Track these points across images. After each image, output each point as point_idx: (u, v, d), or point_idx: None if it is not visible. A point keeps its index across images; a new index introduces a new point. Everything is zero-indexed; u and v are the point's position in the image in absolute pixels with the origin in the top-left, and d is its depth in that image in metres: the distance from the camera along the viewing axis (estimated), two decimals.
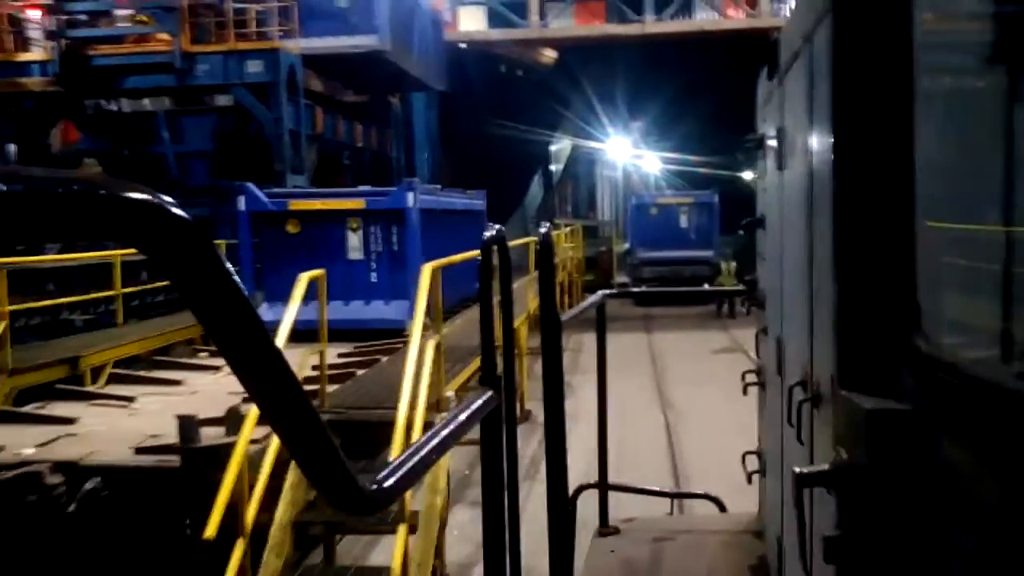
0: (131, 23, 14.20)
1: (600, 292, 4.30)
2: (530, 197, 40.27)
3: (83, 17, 13.97)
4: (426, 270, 5.96)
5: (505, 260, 2.54)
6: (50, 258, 10.73)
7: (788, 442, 2.44)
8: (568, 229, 21.05)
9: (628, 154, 50.23)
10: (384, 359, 8.56)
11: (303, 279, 5.93)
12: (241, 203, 10.06)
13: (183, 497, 5.28)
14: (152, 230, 0.75)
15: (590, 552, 3.88)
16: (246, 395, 5.16)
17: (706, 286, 21.81)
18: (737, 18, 21.39)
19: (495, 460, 2.34)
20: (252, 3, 13.70)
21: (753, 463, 3.59)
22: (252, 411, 4.93)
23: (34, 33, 14.83)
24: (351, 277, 10.27)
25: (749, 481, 3.56)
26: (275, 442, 5.00)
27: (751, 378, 3.74)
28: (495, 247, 2.47)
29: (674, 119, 45.29)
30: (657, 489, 5.45)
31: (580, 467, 4.21)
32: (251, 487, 4.70)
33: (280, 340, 5.45)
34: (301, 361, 6.98)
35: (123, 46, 13.89)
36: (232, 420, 5.38)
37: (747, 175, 51.97)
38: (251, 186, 10.15)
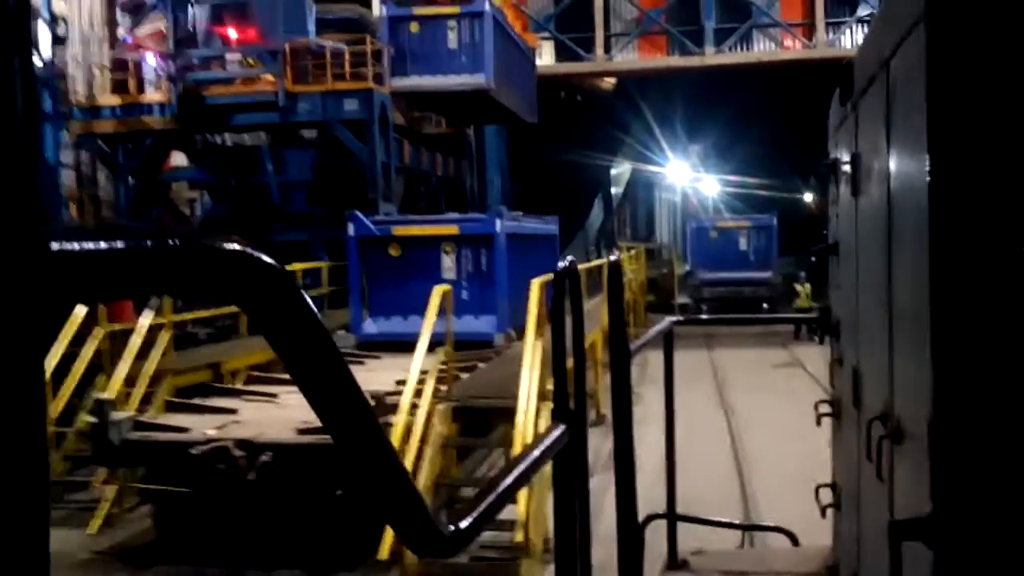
0: (240, 66, 15.81)
1: (668, 319, 4.14)
2: (591, 220, 41.37)
3: (197, 62, 15.61)
4: (535, 286, 7.17)
5: (576, 293, 2.51)
6: None
7: (866, 478, 2.38)
8: (633, 252, 22.11)
9: (687, 177, 51.08)
10: (481, 365, 9.78)
11: (437, 292, 7.15)
12: (351, 229, 11.41)
13: (336, 469, 6.55)
14: (247, 281, 0.78)
15: None
16: (400, 382, 6.50)
17: (765, 306, 22.76)
18: (794, 49, 22.38)
19: (568, 496, 2.30)
20: (349, 47, 15.19)
21: (826, 495, 3.52)
22: (402, 400, 6.23)
23: (148, 75, 16.58)
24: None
25: (823, 515, 3.45)
26: (420, 421, 6.26)
27: (824, 408, 3.60)
28: (567, 280, 2.46)
29: (732, 143, 46.17)
30: (728, 521, 5.35)
31: (648, 468, 4.55)
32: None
33: (420, 350, 6.74)
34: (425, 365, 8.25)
35: (233, 87, 15.50)
36: (380, 405, 6.66)
37: (807, 197, 52.35)
38: (359, 214, 11.51)
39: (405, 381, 8.60)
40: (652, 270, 28.51)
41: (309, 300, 0.84)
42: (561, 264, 2.47)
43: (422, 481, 6.04)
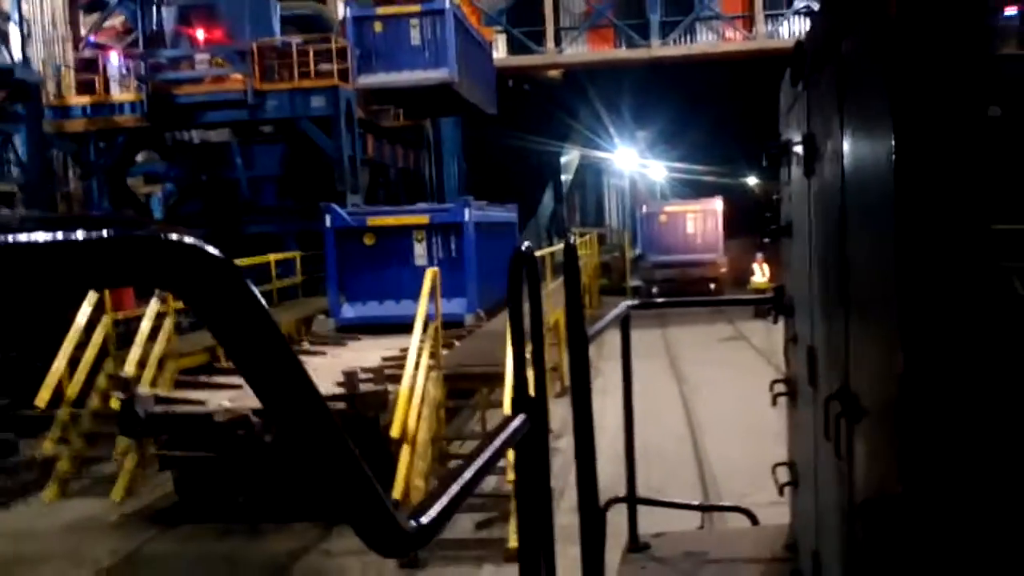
0: (209, 66, 16.53)
1: (624, 304, 4.12)
2: (543, 207, 42.51)
3: (166, 62, 16.29)
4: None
5: (534, 279, 2.48)
6: None
7: (823, 457, 2.43)
8: (586, 238, 23.24)
9: (635, 163, 52.39)
10: (457, 342, 10.78)
11: (429, 275, 8.14)
12: (327, 220, 12.29)
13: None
14: (191, 273, 0.77)
15: (621, 569, 3.85)
16: (385, 359, 7.61)
17: (712, 286, 24.10)
18: (735, 40, 23.68)
19: (529, 484, 2.32)
20: (313, 46, 16.00)
21: (781, 475, 3.57)
22: (406, 370, 7.25)
23: (112, 73, 17.17)
24: (418, 280, 12.44)
25: (781, 493, 3.52)
26: (419, 387, 7.27)
27: (779, 388, 3.62)
28: (524, 266, 2.42)
29: (679, 129, 47.63)
30: (687, 503, 5.46)
31: (609, 436, 4.57)
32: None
33: (417, 326, 7.73)
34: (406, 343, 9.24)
35: (202, 86, 16.22)
36: (378, 376, 7.66)
37: (752, 181, 54.30)
38: (335, 207, 12.41)
39: (391, 358, 9.67)
40: (604, 254, 29.78)
41: (257, 292, 0.83)
42: (518, 250, 2.40)
43: (421, 437, 7.06)
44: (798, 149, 2.73)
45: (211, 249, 0.78)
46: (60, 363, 8.89)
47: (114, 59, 17.18)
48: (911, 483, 1.47)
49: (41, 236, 0.68)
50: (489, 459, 1.81)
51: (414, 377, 7.21)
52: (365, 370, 8.14)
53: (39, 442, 9.20)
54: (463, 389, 8.82)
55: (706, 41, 23.66)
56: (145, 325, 9.03)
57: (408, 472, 6.69)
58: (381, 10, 14.89)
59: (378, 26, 15.02)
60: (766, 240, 4.10)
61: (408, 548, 1.21)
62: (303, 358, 9.22)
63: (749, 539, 4.18)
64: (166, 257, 0.76)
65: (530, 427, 2.21)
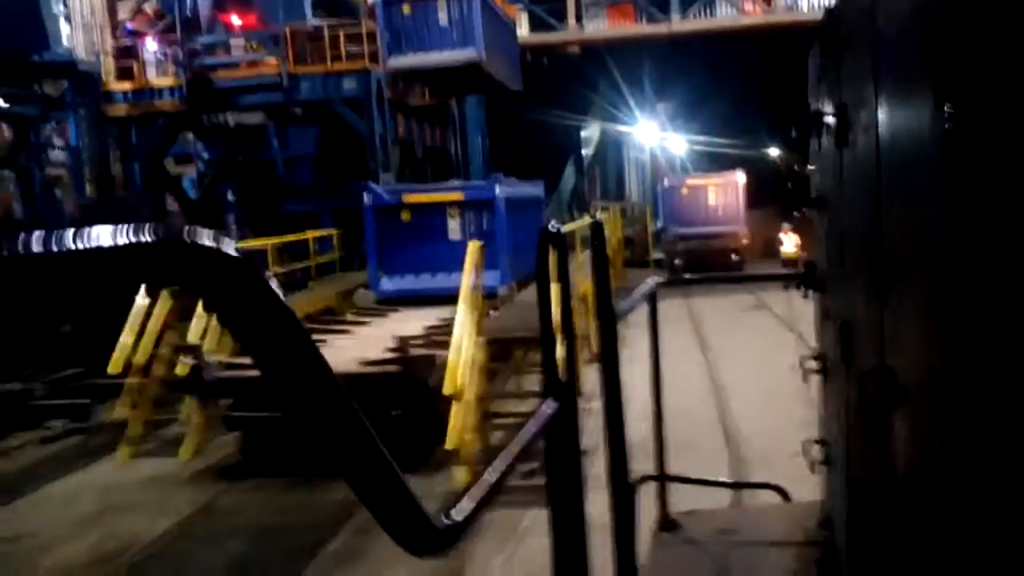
0: (245, 51, 17.21)
1: (651, 280, 4.08)
2: (564, 181, 43.07)
3: (203, 48, 16.98)
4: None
5: (563, 260, 2.46)
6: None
7: (858, 434, 2.39)
8: (610, 212, 23.82)
9: (656, 137, 52.65)
10: (493, 312, 11.48)
11: (472, 248, 8.82)
12: (366, 199, 12.99)
13: (390, 393, 8.26)
14: (215, 276, 0.77)
15: (652, 548, 3.82)
16: (428, 327, 8.39)
17: (735, 257, 24.64)
18: (755, 14, 24.07)
19: (561, 470, 2.28)
20: (344, 30, 16.65)
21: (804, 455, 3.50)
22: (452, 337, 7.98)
23: (148, 58, 17.90)
24: (452, 254, 13.14)
25: (812, 471, 3.48)
26: (466, 351, 7.97)
27: (810, 364, 3.56)
28: (551, 245, 2.40)
29: (699, 101, 47.87)
30: (717, 479, 5.39)
31: (639, 402, 4.32)
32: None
33: (463, 297, 8.40)
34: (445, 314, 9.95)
35: (238, 70, 16.91)
36: (426, 342, 8.38)
37: (773, 152, 54.64)
38: (374, 185, 13.11)
39: (433, 326, 10.40)
40: (627, 228, 30.32)
41: (280, 293, 0.82)
42: (545, 229, 2.40)
43: (469, 396, 7.79)
44: (830, 120, 2.69)
45: (231, 250, 0.78)
46: (128, 335, 9.67)
47: (150, 45, 17.89)
48: (954, 461, 1.44)
49: (61, 244, 0.69)
50: (520, 452, 1.81)
51: (461, 342, 7.90)
52: (413, 337, 8.88)
53: (111, 407, 10.02)
54: (502, 352, 9.52)
55: (726, 15, 24.05)
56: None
57: (460, 427, 7.41)
58: None
59: (406, 9, 15.57)
60: (795, 213, 4.34)
61: (440, 547, 1.17)
62: (349, 328, 9.92)
63: (782, 517, 4.13)
64: (187, 261, 0.76)
65: (560, 411, 2.19)
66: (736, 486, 5.64)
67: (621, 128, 49.43)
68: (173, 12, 17.20)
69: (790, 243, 20.05)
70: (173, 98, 16.93)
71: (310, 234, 15.19)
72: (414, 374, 8.13)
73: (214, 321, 9.90)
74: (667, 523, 4.03)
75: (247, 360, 8.93)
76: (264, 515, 7.61)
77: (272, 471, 8.54)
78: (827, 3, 23.50)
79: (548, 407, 2.16)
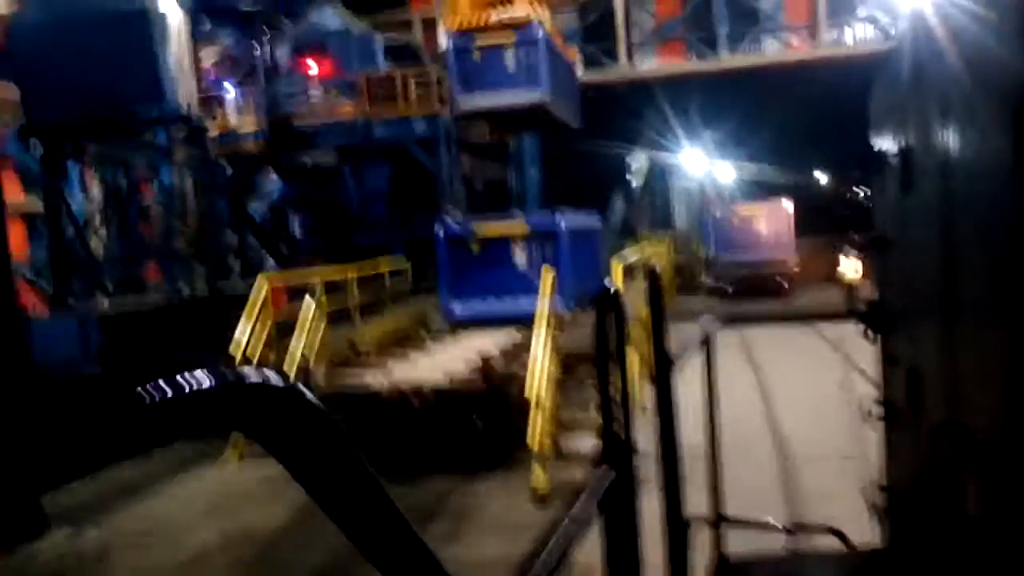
0: (323, 97, 18.68)
1: (706, 318, 4.11)
2: (613, 210, 44.13)
3: (284, 94, 18.47)
4: (616, 269, 9.95)
5: (620, 326, 2.39)
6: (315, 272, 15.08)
7: (928, 485, 2.33)
8: (665, 243, 24.78)
9: (703, 165, 53.48)
10: (558, 332, 12.56)
11: (547, 274, 9.92)
12: (440, 231, 14.20)
13: (473, 403, 9.36)
14: (294, 426, 0.77)
15: None
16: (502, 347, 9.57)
17: (785, 285, 25.40)
18: (801, 49, 25.04)
19: (619, 543, 2.19)
20: (414, 76, 18.01)
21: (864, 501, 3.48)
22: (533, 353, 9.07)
23: (229, 101, 19.43)
24: (517, 281, 14.30)
25: (877, 520, 3.41)
26: (543, 366, 9.05)
27: (876, 409, 3.48)
28: (610, 309, 2.34)
29: (746, 130, 48.67)
30: (774, 523, 5.25)
31: (693, 413, 4.18)
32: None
33: (541, 320, 9.48)
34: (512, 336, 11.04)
35: (317, 115, 18.37)
36: (507, 359, 9.49)
37: (822, 179, 55.00)
38: (448, 219, 14.31)
39: (504, 347, 11.51)
40: (678, 255, 31.24)
41: (355, 448, 0.79)
42: (604, 291, 2.34)
43: (547, 404, 8.87)
44: (894, 160, 2.62)
45: (309, 396, 0.76)
46: (236, 354, 10.93)
47: (232, 91, 19.45)
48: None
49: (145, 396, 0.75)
50: (577, 523, 1.71)
51: (538, 357, 9.00)
52: (491, 356, 10.01)
53: None
54: (566, 367, 10.59)
55: (773, 50, 25.05)
56: (304, 323, 11.03)
57: (539, 431, 8.49)
58: (480, 41, 16.64)
59: (477, 55, 16.79)
60: (851, 237, 4.46)
61: None
62: (430, 346, 11.06)
63: (842, 566, 3.99)
64: (262, 409, 0.76)
65: (618, 480, 2.09)
66: (795, 531, 5.30)
67: (668, 157, 50.46)
68: (253, 60, 18.72)
69: (850, 267, 20.44)
70: (256, 140, 18.40)
71: (384, 269, 16.45)
72: (495, 388, 9.23)
73: (310, 340, 11.16)
74: (723, 567, 3.89)
75: (342, 374, 10.12)
76: None
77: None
78: (869, 35, 24.39)
79: (605, 477, 2.03)
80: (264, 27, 19.07)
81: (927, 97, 2.12)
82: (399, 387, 9.33)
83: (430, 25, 26.94)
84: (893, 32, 24.23)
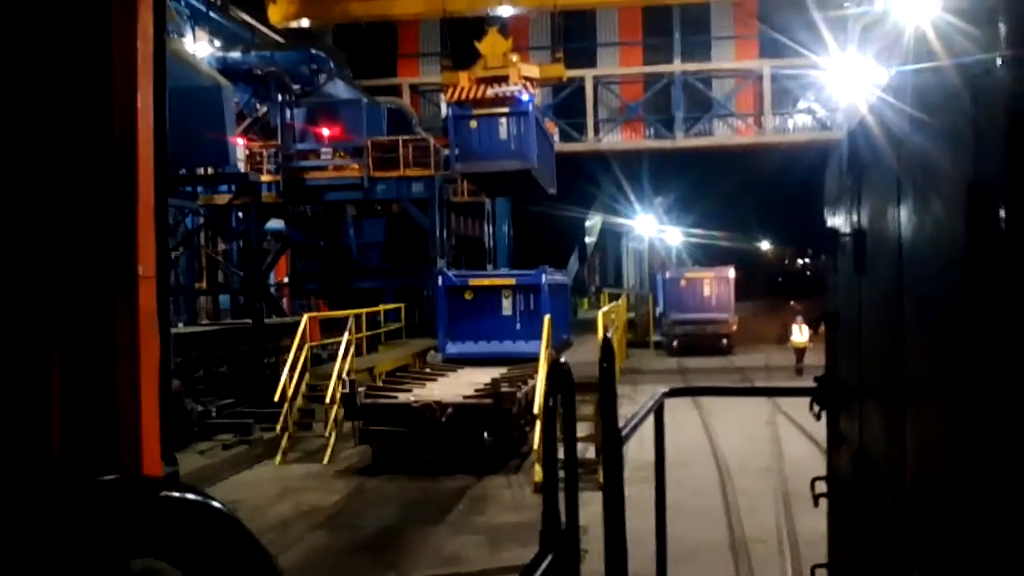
0: (332, 157, 21.48)
1: (659, 391, 4.08)
2: (570, 267, 47.47)
3: (297, 153, 21.25)
4: (601, 317, 12.87)
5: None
6: (343, 312, 17.76)
7: (874, 567, 2.35)
8: (619, 301, 27.89)
9: (653, 229, 57.28)
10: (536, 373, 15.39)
11: (547, 321, 12.79)
12: (440, 281, 17.01)
13: (483, 419, 12.10)
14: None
15: None
16: (495, 377, 12.55)
17: (724, 342, 28.66)
18: (747, 133, 28.68)
19: None
20: (414, 143, 20.96)
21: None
22: (538, 383, 11.92)
23: (240, 155, 22.09)
24: (504, 326, 17.14)
25: None
26: (540, 384, 11.85)
27: (820, 487, 3.48)
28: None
29: (694, 197, 53.00)
30: None
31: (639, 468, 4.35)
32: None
33: (542, 358, 12.32)
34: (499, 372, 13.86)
35: (327, 172, 21.16)
36: (512, 382, 12.31)
37: (764, 246, 59.49)
38: (446, 270, 17.17)
39: (490, 382, 14.26)
40: (629, 312, 34.45)
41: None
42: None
43: (536, 435, 11.67)
44: (846, 241, 2.65)
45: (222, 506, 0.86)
46: (284, 376, 13.57)
47: (253, 148, 22.16)
48: None
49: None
50: None
51: (541, 380, 11.84)
52: (496, 380, 12.83)
53: (263, 426, 13.86)
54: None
55: (722, 134, 28.65)
56: (341, 349, 13.74)
57: (540, 439, 11.28)
58: (477, 111, 19.51)
59: (473, 123, 19.66)
60: (793, 306, 5.95)
61: None
62: (434, 376, 13.94)
63: None
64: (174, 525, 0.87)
65: (555, 565, 2.08)
66: None
67: (621, 220, 54.17)
68: (272, 122, 21.49)
69: (800, 333, 22.26)
70: (270, 192, 21.08)
71: (382, 308, 19.19)
72: (501, 405, 12.02)
73: (340, 366, 13.83)
74: None
75: (380, 389, 12.83)
76: (403, 493, 11.40)
77: (397, 470, 12.34)
78: (808, 124, 28.11)
79: (543, 563, 2.00)
80: (276, 89, 21.85)
81: (880, 181, 2.15)
82: (425, 401, 12.09)
83: (416, 90, 30.13)
84: (829, 123, 28.04)
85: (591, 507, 2.95)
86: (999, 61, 1.31)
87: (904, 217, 1.88)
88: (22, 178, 8.23)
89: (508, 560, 8.54)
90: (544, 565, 1.97)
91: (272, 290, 22.88)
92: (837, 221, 2.99)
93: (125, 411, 8.55)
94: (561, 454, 2.52)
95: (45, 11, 7.78)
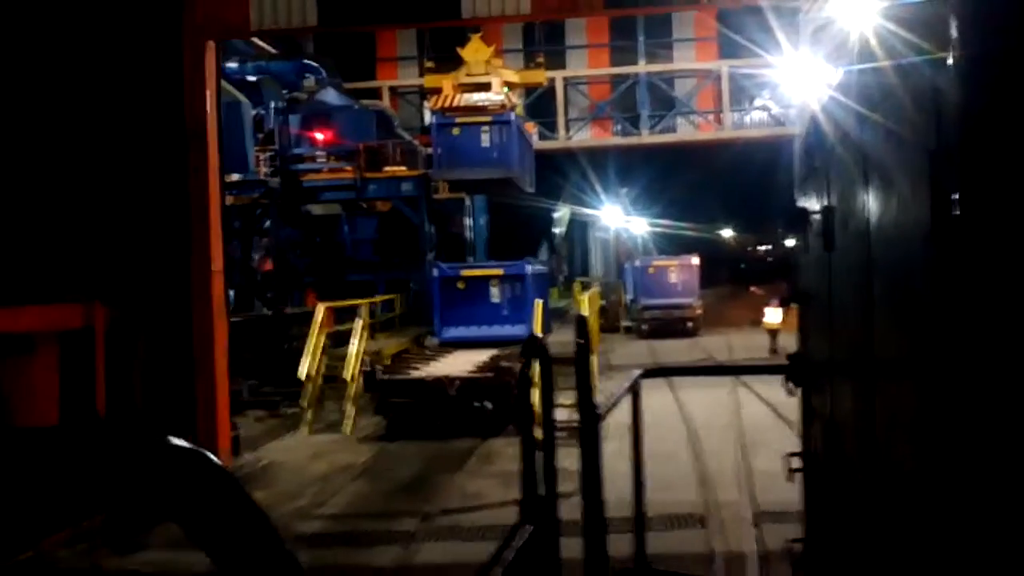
0: (327, 160, 23.54)
1: (636, 373, 4.22)
2: (540, 258, 49.77)
3: (295, 156, 23.29)
4: (583, 300, 15.18)
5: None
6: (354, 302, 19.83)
7: (849, 539, 2.40)
8: (592, 289, 30.21)
9: (619, 219, 59.76)
10: None
11: (538, 306, 15.06)
12: (435, 272, 19.18)
13: (486, 390, 14.34)
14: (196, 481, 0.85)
15: None
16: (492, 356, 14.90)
17: (690, 324, 31.20)
18: (708, 129, 31.17)
19: None
20: (401, 146, 23.10)
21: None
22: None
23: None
24: (493, 312, 19.34)
25: (795, 571, 3.60)
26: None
27: (794, 462, 3.59)
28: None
29: (659, 188, 55.67)
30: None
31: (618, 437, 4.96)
32: None
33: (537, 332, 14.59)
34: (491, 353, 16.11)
35: (322, 174, 23.22)
36: (507, 359, 14.56)
37: (727, 233, 62.78)
38: (441, 264, 19.36)
39: (489, 359, 16.50)
40: (601, 300, 36.89)
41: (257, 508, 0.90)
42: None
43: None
44: (816, 219, 2.79)
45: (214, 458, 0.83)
46: (307, 357, 15.69)
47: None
48: None
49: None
50: None
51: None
52: (496, 358, 15.08)
53: (288, 404, 15.98)
54: None
55: (685, 130, 31.12)
56: (356, 333, 15.89)
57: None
58: (460, 119, 21.58)
59: (456, 131, 21.72)
60: (783, 308, 7.10)
61: None
62: (436, 357, 16.26)
63: None
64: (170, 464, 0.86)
65: (538, 540, 2.20)
66: None
67: (588, 211, 56.57)
68: (266, 127, 23.48)
69: (774, 315, 23.34)
70: (263, 194, 23.08)
71: (378, 299, 21.33)
72: (502, 378, 14.26)
73: (357, 348, 16.00)
74: None
75: (395, 367, 15.04)
76: (421, 452, 13.61)
77: (411, 436, 14.55)
78: (764, 120, 30.61)
79: (522, 535, 2.11)
80: (271, 97, 23.83)
81: (847, 161, 2.23)
82: (436, 376, 14.32)
83: (395, 92, 32.21)
84: (783, 119, 30.57)
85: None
86: (947, 59, 1.34)
87: (872, 196, 1.92)
88: (130, 192, 11.04)
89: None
90: (523, 538, 1.98)
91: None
92: (808, 200, 3.06)
93: (202, 385, 10.72)
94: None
95: (129, 68, 10.38)
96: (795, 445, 9.33)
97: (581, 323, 3.14)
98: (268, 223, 23.53)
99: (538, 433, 2.67)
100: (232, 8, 10.94)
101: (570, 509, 3.30)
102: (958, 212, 1.36)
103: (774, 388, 5.09)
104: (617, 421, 4.11)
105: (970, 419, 1.32)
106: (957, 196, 1.37)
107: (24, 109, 10.53)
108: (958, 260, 1.37)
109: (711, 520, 9.37)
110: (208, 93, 11.05)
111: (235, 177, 20.15)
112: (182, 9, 10.87)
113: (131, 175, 10.93)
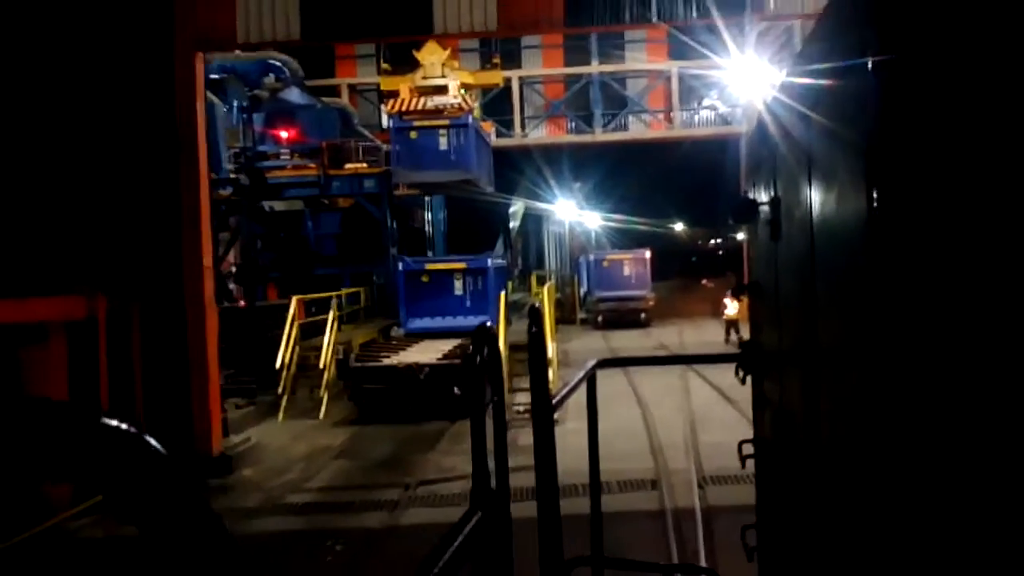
0: (291, 158, 24.47)
1: (591, 363, 4.31)
2: (496, 252, 50.95)
3: (259, 154, 24.19)
4: (546, 291, 16.43)
5: (495, 360, 2.50)
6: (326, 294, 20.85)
7: (800, 521, 2.48)
8: (548, 284, 31.57)
9: (572, 213, 61.21)
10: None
11: (501, 299, 16.28)
12: (400, 266, 20.29)
13: (454, 376, 15.53)
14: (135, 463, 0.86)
15: None
16: (455, 345, 16.20)
17: (643, 316, 32.67)
18: (659, 128, 32.62)
19: None
20: (364, 145, 24.13)
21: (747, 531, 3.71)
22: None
23: None
24: (456, 304, 20.50)
25: (750, 559, 3.64)
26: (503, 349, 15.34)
27: (748, 449, 3.71)
28: (485, 346, 2.44)
29: (611, 183, 57.28)
30: (654, 562, 5.72)
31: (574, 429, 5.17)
32: None
33: (501, 330, 15.82)
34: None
35: (286, 171, 24.15)
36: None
37: (678, 227, 64.64)
38: (406, 257, 20.48)
39: (455, 347, 17.69)
40: (556, 292, 38.26)
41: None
42: (478, 332, 2.47)
43: (505, 371, 15.20)
44: (764, 210, 2.90)
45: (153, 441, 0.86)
46: (282, 347, 16.74)
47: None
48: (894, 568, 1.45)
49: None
50: (447, 566, 1.81)
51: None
52: (459, 347, 16.28)
53: (265, 392, 17.03)
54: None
55: (636, 129, 32.54)
56: (329, 324, 16.98)
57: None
58: (417, 123, 22.60)
59: (414, 134, 22.74)
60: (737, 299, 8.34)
61: None
62: (404, 346, 17.49)
63: None
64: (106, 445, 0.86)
65: (489, 528, 2.17)
66: (670, 569, 6.17)
67: (543, 206, 57.92)
68: (234, 125, 24.33)
69: (732, 307, 24.01)
70: (234, 191, 23.94)
71: (344, 292, 22.40)
72: (468, 365, 15.44)
73: (329, 338, 17.09)
74: None
75: (366, 356, 16.18)
76: (395, 434, 14.77)
77: (383, 420, 15.69)
78: (712, 119, 32.13)
79: (472, 520, 2.06)
80: (235, 95, 24.67)
81: (792, 153, 2.32)
82: (407, 363, 15.48)
83: (354, 89, 33.17)
84: (730, 118, 32.13)
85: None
86: (871, 64, 1.42)
87: (814, 188, 2.01)
88: (126, 193, 12.34)
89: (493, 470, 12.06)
90: (472, 525, 2.04)
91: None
92: (757, 191, 3.16)
93: (196, 371, 11.77)
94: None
95: (130, 76, 11.54)
96: (738, 421, 10.79)
97: (534, 313, 3.32)
98: (232, 220, 24.35)
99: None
100: (220, 23, 11.97)
101: (526, 478, 3.61)
102: (875, 206, 1.46)
103: (721, 373, 5.65)
104: (577, 402, 4.32)
105: (900, 405, 1.41)
106: (875, 192, 1.46)
107: (34, 118, 11.51)
108: (879, 253, 1.46)
109: (662, 483, 10.68)
110: (197, 102, 12.07)
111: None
112: (173, 24, 11.88)
113: (127, 178, 11.93)
